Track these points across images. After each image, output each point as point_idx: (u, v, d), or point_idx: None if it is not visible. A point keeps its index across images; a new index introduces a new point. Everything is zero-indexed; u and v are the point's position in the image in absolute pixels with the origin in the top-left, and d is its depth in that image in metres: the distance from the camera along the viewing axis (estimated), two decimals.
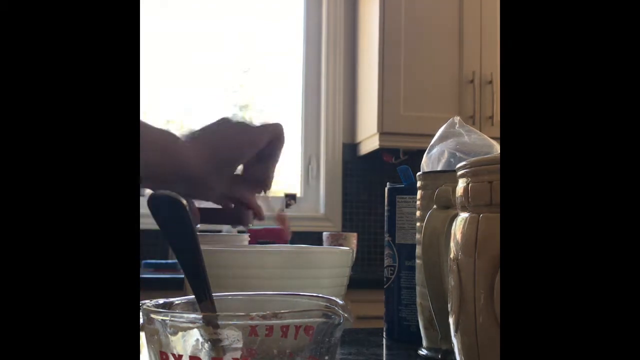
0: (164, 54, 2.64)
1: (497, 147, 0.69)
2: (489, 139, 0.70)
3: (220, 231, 2.06)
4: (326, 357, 0.35)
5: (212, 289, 0.39)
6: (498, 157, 0.42)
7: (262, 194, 0.69)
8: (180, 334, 0.34)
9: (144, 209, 0.39)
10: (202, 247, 0.41)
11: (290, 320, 0.34)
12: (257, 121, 0.64)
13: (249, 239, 1.62)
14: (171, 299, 0.38)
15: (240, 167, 0.66)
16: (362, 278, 2.06)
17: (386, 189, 0.77)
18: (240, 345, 0.33)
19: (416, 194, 0.69)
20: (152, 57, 2.59)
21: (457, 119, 0.74)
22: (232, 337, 0.33)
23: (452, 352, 0.47)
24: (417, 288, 0.68)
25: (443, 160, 0.69)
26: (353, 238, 2.31)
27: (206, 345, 0.34)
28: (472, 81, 2.39)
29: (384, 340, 0.76)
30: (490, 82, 2.40)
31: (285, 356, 0.34)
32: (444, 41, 2.41)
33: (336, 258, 0.61)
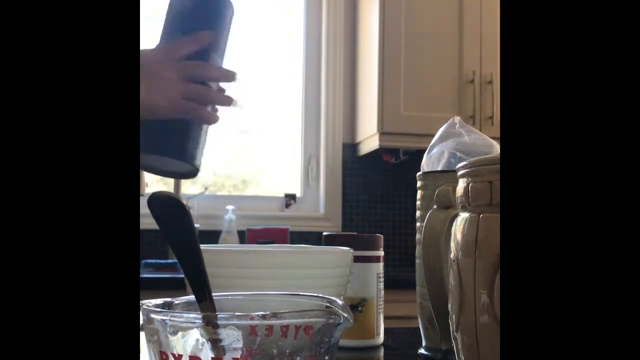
0: None
1: (497, 147, 0.69)
2: (489, 139, 0.70)
3: None
4: (326, 357, 0.35)
5: (212, 289, 0.39)
6: (498, 157, 0.42)
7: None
8: (180, 333, 0.34)
9: (144, 209, 0.39)
10: (202, 247, 0.41)
11: (290, 320, 0.34)
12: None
13: None
14: (171, 299, 0.38)
15: None
16: None
17: None
18: (240, 345, 0.33)
19: None
20: None
21: (457, 119, 0.74)
22: (232, 337, 0.33)
23: (452, 352, 0.47)
24: (417, 288, 0.68)
25: (443, 160, 0.69)
26: None
27: (206, 345, 0.34)
28: (472, 81, 2.39)
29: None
30: (490, 82, 2.40)
31: (285, 356, 0.34)
32: (444, 41, 2.41)
33: (336, 258, 0.61)
